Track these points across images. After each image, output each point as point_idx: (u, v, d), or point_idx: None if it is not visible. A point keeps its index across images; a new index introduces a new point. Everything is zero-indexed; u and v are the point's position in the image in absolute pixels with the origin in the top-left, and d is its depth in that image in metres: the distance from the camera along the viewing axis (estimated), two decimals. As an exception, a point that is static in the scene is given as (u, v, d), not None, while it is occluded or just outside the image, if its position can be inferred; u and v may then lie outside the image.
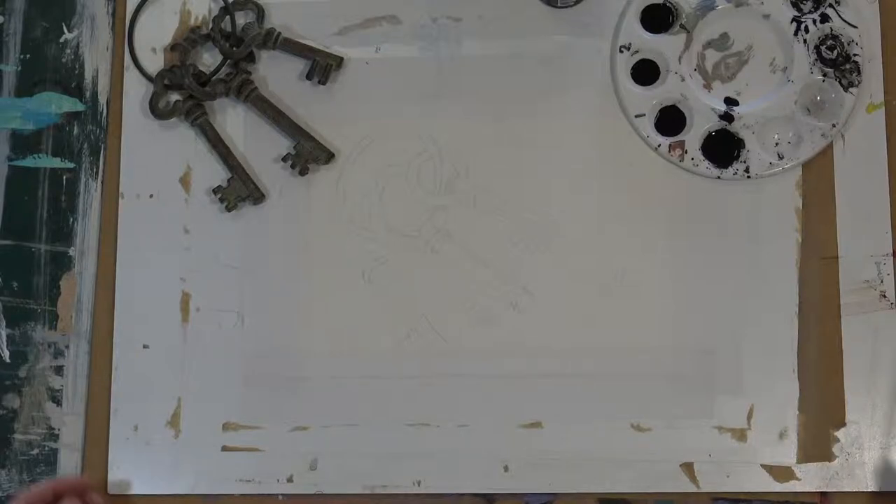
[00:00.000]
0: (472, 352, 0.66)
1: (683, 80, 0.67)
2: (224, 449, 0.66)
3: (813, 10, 0.67)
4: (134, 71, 0.70)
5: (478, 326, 0.66)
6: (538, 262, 0.67)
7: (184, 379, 0.67)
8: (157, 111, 0.69)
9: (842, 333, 0.65)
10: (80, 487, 0.64)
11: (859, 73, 0.66)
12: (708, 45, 0.68)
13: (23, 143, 0.70)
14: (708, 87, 0.67)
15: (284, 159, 0.68)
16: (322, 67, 0.69)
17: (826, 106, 0.66)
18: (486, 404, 0.66)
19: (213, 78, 0.69)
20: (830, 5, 0.67)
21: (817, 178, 0.66)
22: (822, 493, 0.64)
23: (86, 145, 0.70)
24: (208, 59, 0.70)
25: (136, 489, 0.66)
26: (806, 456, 0.64)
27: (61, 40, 0.71)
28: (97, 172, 0.70)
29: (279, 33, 0.69)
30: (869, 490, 0.64)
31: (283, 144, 0.69)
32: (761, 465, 0.64)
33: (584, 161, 0.68)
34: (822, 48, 0.67)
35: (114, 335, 0.68)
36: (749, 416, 0.65)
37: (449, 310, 0.67)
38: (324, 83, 0.69)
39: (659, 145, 0.67)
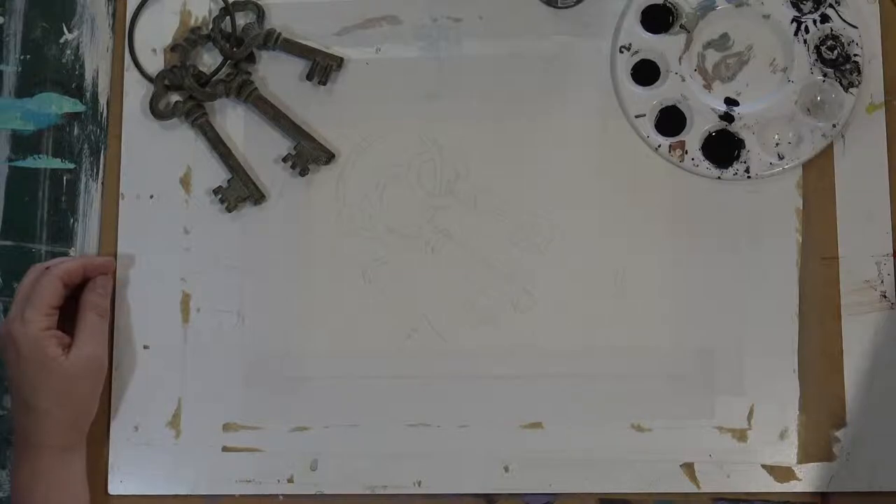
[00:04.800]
0: (472, 352, 0.66)
1: (683, 80, 0.67)
2: (224, 449, 0.67)
3: (813, 10, 0.67)
4: (134, 71, 0.70)
5: (478, 326, 0.66)
6: (538, 262, 0.67)
7: (184, 379, 0.67)
8: (158, 112, 0.69)
9: (842, 333, 0.65)
10: (108, 268, 0.67)
11: (859, 73, 0.66)
12: (708, 45, 0.68)
13: (23, 143, 0.70)
14: (708, 87, 0.67)
15: (284, 160, 0.68)
16: (322, 68, 0.69)
17: (826, 106, 0.66)
18: (486, 404, 0.66)
19: (214, 78, 0.69)
20: (830, 5, 0.67)
21: (817, 178, 0.66)
22: (823, 493, 0.64)
23: (86, 146, 0.70)
24: (208, 60, 0.70)
25: (137, 489, 0.66)
26: (806, 456, 0.64)
27: (61, 41, 0.71)
28: (97, 173, 0.70)
29: (279, 34, 0.69)
30: (869, 490, 0.64)
31: (284, 145, 0.69)
32: (762, 466, 0.64)
33: (584, 161, 0.68)
34: (823, 48, 0.67)
35: (114, 335, 0.68)
36: (749, 416, 0.65)
37: (449, 310, 0.67)
38: (324, 83, 0.69)
39: (659, 145, 0.67)
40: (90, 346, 0.63)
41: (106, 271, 0.67)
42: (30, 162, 0.70)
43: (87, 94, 0.71)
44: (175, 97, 0.70)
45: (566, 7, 0.69)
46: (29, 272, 0.64)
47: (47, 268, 0.64)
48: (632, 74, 0.68)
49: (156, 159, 0.69)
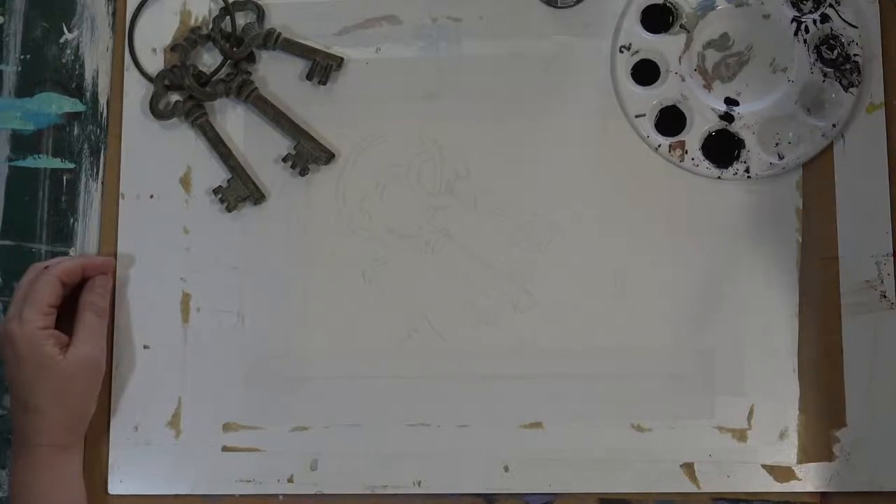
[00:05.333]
0: (472, 352, 0.66)
1: (683, 80, 0.67)
2: (224, 449, 0.67)
3: (813, 10, 0.67)
4: (134, 71, 0.70)
5: (478, 326, 0.66)
6: (538, 262, 0.67)
7: (184, 379, 0.67)
8: (158, 111, 0.69)
9: (842, 333, 0.65)
10: (107, 267, 0.67)
11: (859, 73, 0.66)
12: (708, 45, 0.68)
13: (23, 143, 0.70)
14: (708, 87, 0.67)
15: (284, 159, 0.68)
16: (322, 68, 0.69)
17: (826, 106, 0.66)
18: (486, 404, 0.66)
19: (214, 78, 0.69)
20: (830, 5, 0.67)
21: (817, 178, 0.66)
22: (822, 493, 0.64)
23: (86, 146, 0.70)
24: (208, 60, 0.70)
25: (136, 489, 0.66)
26: (806, 456, 0.64)
27: (61, 41, 0.71)
28: (97, 173, 0.70)
29: (279, 33, 0.69)
30: (869, 490, 0.64)
31: (283, 144, 0.69)
32: (762, 466, 0.64)
33: (584, 161, 0.68)
34: (823, 48, 0.67)
35: (114, 335, 0.68)
36: (749, 416, 0.65)
37: (449, 310, 0.67)
38: (324, 83, 0.69)
39: (659, 145, 0.67)
40: (88, 346, 0.63)
41: (105, 271, 0.67)
42: (30, 162, 0.70)
43: (87, 94, 0.71)
44: (175, 97, 0.70)
45: (566, 7, 0.69)
46: (28, 271, 0.65)
47: (46, 267, 0.64)
48: (632, 74, 0.68)
49: (156, 159, 0.69)
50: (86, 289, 0.66)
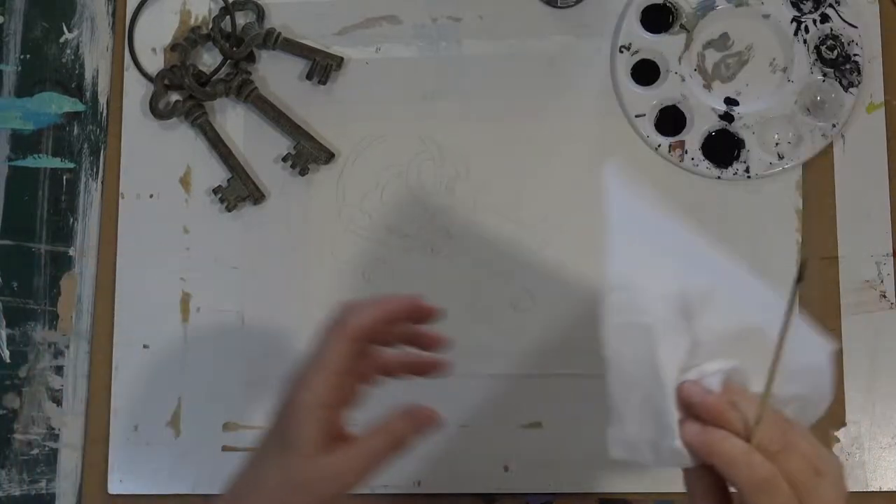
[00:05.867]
0: (473, 352, 0.66)
1: (683, 80, 0.67)
2: (224, 449, 0.66)
3: (813, 10, 0.67)
4: (134, 71, 0.70)
5: (478, 326, 0.66)
6: (538, 262, 0.67)
7: (184, 379, 0.67)
8: (157, 111, 0.69)
9: (842, 333, 0.65)
10: (411, 308, 0.53)
11: (859, 73, 0.66)
12: (708, 45, 0.68)
13: (23, 143, 0.70)
14: (708, 87, 0.67)
15: (284, 159, 0.68)
16: (322, 67, 0.69)
17: (826, 106, 0.66)
18: (486, 404, 0.66)
19: (214, 78, 0.69)
20: (830, 5, 0.67)
21: (817, 178, 0.66)
22: (822, 493, 0.64)
23: (86, 145, 0.70)
24: (208, 59, 0.70)
25: (136, 489, 0.66)
26: (806, 456, 0.64)
27: (61, 40, 0.71)
28: (97, 172, 0.70)
29: (279, 33, 0.69)
30: (869, 490, 0.64)
31: (283, 144, 0.69)
32: (761, 465, 0.64)
33: (584, 161, 0.67)
34: (822, 48, 0.67)
35: (114, 335, 0.68)
36: (749, 416, 0.65)
37: (449, 310, 0.67)
38: (324, 83, 0.69)
39: (659, 145, 0.67)
40: (351, 464, 0.48)
41: (425, 314, 0.53)
42: (30, 161, 0.70)
43: (87, 94, 0.71)
44: (175, 97, 0.70)
45: (566, 7, 0.69)
46: (327, 321, 0.51)
47: (341, 322, 0.51)
48: (632, 74, 0.68)
49: (156, 159, 0.69)
50: (407, 410, 0.51)
